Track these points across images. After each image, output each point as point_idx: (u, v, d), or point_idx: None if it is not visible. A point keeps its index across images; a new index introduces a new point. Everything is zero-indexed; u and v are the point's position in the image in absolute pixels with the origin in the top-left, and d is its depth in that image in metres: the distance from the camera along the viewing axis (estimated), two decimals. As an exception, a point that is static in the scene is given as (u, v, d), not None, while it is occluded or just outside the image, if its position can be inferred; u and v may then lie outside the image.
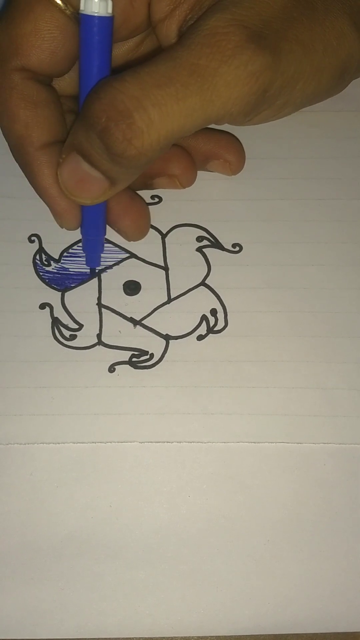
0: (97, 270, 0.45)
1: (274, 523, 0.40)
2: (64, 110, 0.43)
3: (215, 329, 0.44)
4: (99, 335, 0.44)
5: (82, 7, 0.37)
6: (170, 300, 0.45)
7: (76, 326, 0.44)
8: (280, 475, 0.41)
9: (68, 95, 0.44)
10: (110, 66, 0.38)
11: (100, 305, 0.44)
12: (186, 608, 0.38)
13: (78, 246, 0.46)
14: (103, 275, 0.45)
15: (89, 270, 0.45)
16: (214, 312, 0.44)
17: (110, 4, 0.37)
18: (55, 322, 0.44)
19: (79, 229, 0.44)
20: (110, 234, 0.46)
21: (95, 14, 0.36)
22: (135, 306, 0.44)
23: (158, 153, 0.37)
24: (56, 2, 0.39)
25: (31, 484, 0.40)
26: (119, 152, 0.36)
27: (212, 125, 0.46)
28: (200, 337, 0.44)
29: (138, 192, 0.47)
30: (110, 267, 0.45)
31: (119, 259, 0.45)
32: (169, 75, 0.36)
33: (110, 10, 0.37)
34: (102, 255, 0.45)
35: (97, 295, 0.44)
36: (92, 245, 0.45)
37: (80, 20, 0.37)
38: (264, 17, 0.38)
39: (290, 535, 0.40)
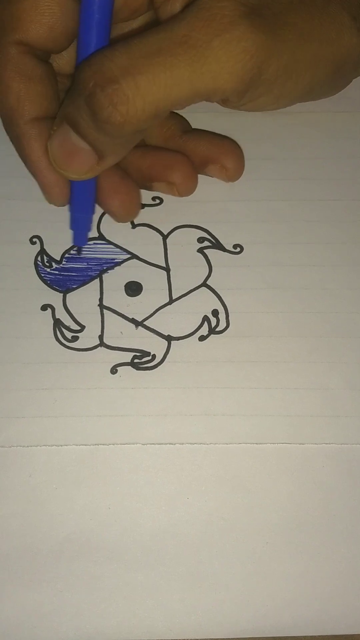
0: (82, 249, 0.46)
1: (273, 525, 0.40)
2: (60, 88, 0.43)
3: (216, 329, 0.44)
4: (100, 337, 0.43)
5: None
6: (171, 301, 0.44)
7: (78, 327, 0.44)
8: (280, 477, 0.41)
9: (65, 74, 0.44)
10: (108, 44, 0.39)
11: (101, 306, 0.44)
12: (185, 610, 0.38)
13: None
14: (104, 276, 0.45)
15: (76, 250, 0.46)
16: (215, 312, 0.44)
17: None
18: (57, 324, 0.44)
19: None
20: (111, 235, 0.46)
21: None
22: (136, 307, 0.44)
23: (144, 123, 0.37)
24: None
25: (30, 485, 0.40)
26: (104, 117, 0.36)
27: (216, 125, 0.47)
28: (202, 338, 0.44)
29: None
30: (112, 267, 0.45)
31: (120, 260, 0.45)
32: (159, 46, 0.37)
33: None
34: (103, 256, 0.45)
35: (99, 297, 0.44)
36: (80, 223, 0.45)
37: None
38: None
39: (289, 537, 0.40)
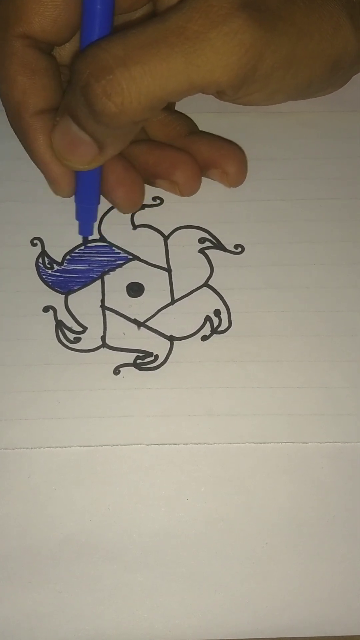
0: (89, 239, 0.46)
1: (272, 525, 0.40)
2: (63, 80, 0.44)
3: (219, 329, 0.44)
4: (103, 338, 0.43)
5: None
6: (173, 301, 0.44)
7: (80, 329, 0.44)
8: (279, 478, 0.40)
9: (67, 65, 0.44)
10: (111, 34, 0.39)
11: (103, 307, 0.44)
12: (184, 611, 0.38)
13: (81, 249, 0.46)
14: (106, 277, 0.45)
15: (81, 239, 0.46)
16: (217, 312, 0.44)
17: None
18: (59, 325, 0.44)
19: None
20: (112, 236, 0.46)
21: None
22: (138, 308, 0.44)
23: (140, 115, 0.38)
24: None
25: (29, 486, 0.40)
26: (99, 108, 0.37)
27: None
28: (204, 338, 0.44)
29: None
30: (113, 269, 0.45)
31: (121, 262, 0.45)
32: (155, 37, 0.37)
33: None
34: (104, 257, 0.45)
35: (101, 298, 0.44)
36: (86, 213, 0.45)
37: None
38: None
39: (288, 538, 0.39)
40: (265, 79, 0.40)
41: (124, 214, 0.46)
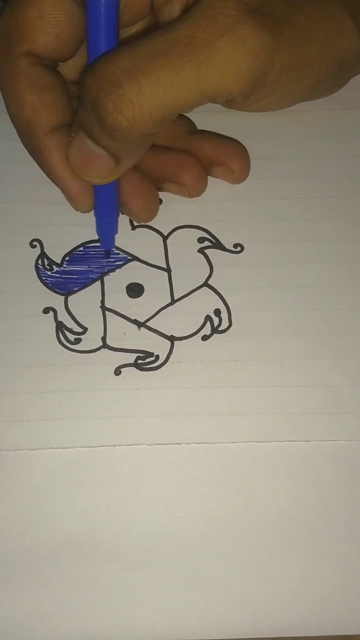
0: (111, 252, 0.46)
1: (272, 525, 0.39)
2: (71, 95, 0.43)
3: (219, 329, 0.44)
4: (103, 338, 0.43)
5: None
6: (173, 301, 0.44)
7: (80, 330, 0.44)
8: (280, 477, 0.40)
9: (73, 81, 0.44)
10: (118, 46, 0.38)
11: (104, 308, 0.44)
12: (184, 611, 0.38)
13: (79, 250, 0.46)
14: (106, 278, 0.45)
15: (103, 253, 0.46)
16: (217, 312, 0.44)
17: None
18: (60, 326, 0.44)
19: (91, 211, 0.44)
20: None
21: None
22: (139, 308, 0.44)
23: (152, 127, 0.37)
24: None
25: (29, 487, 0.40)
26: (110, 123, 0.36)
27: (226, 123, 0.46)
28: (204, 338, 0.43)
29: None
30: (113, 270, 0.45)
31: (121, 262, 0.45)
32: (163, 47, 0.36)
33: None
34: (103, 258, 0.45)
35: (101, 299, 0.44)
36: (106, 227, 0.45)
37: (87, 2, 0.37)
38: None
39: (288, 538, 0.39)
40: (274, 84, 0.40)
41: (140, 222, 0.46)
